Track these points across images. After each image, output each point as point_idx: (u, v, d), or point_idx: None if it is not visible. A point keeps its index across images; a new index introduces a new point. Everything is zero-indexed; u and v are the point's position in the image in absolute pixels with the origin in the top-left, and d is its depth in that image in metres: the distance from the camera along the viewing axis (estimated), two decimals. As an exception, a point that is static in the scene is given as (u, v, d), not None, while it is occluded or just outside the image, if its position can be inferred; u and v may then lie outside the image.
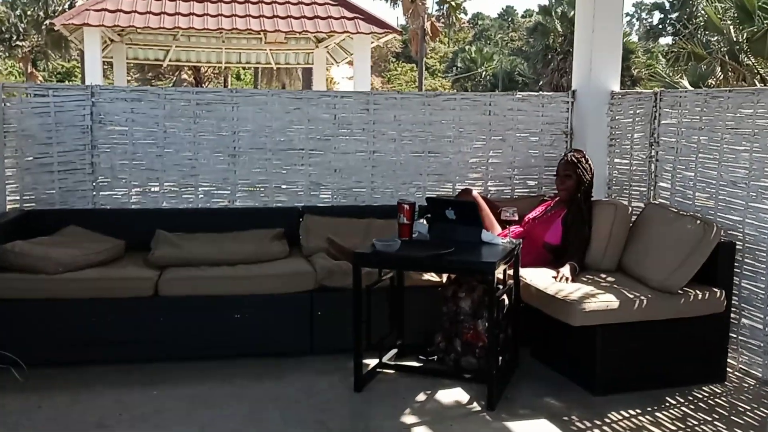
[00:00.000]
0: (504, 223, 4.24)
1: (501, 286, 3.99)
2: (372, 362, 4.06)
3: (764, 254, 3.91)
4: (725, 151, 4.18)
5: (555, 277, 4.02)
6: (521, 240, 4.21)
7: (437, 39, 37.29)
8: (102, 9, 10.11)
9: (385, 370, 4.08)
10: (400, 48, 44.75)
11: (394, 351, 4.26)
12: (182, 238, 4.59)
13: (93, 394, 3.74)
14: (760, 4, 16.19)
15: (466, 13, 49.58)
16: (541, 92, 5.50)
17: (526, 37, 41.69)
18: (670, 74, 18.95)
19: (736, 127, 4.11)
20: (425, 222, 4.18)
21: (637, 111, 4.94)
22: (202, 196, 5.02)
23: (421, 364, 4.19)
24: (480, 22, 52.65)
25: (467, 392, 3.80)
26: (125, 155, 4.88)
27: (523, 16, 51.14)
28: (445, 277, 4.32)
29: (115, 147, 4.87)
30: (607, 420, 3.49)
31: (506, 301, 4.01)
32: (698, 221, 3.95)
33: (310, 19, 10.65)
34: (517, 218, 4.11)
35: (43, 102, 4.78)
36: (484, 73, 41.00)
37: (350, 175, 5.14)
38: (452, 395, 3.79)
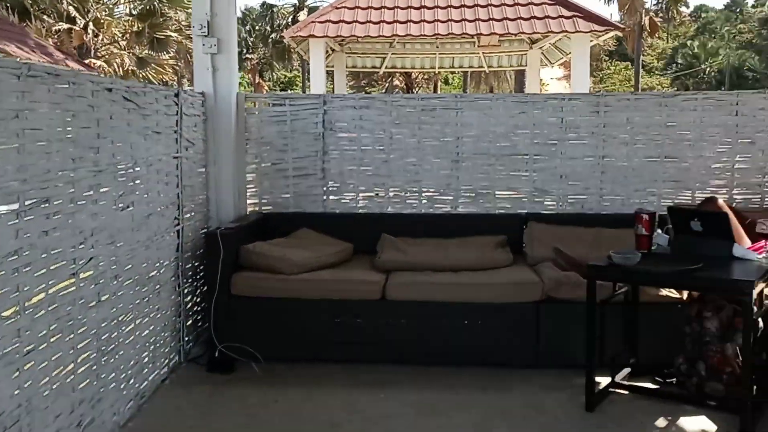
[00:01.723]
0: (759, 237, 3.80)
1: (755, 307, 3.59)
2: (603, 380, 3.82)
3: None
4: None
5: None
6: (780, 256, 3.74)
7: (655, 35, 35.24)
8: (326, 21, 10.62)
9: (617, 390, 3.82)
10: (613, 46, 42.81)
11: (627, 370, 3.98)
12: (407, 242, 4.63)
13: (324, 393, 3.87)
14: None
15: (687, 6, 46.35)
16: (799, 89, 4.91)
17: (758, 29, 38.06)
18: None
19: None
20: (665, 233, 3.87)
21: None
22: (425, 201, 5.05)
23: (658, 387, 3.87)
24: (703, 15, 48.87)
25: (714, 422, 3.45)
26: (354, 161, 5.03)
27: (753, 6, 46.69)
28: (685, 294, 3.96)
29: (345, 153, 5.04)
30: None
31: (761, 324, 3.59)
32: None
33: (526, 20, 10.42)
34: (774, 231, 3.67)
35: (280, 111, 5.06)
36: (708, 69, 38.03)
37: (577, 181, 4.91)
38: (696, 423, 3.46)
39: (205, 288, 4.40)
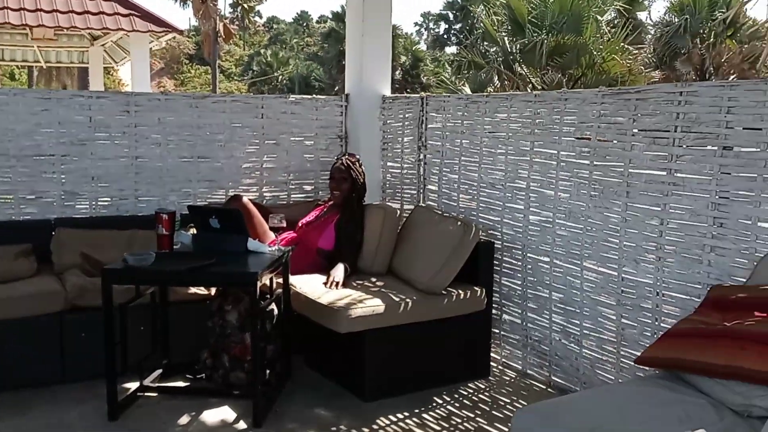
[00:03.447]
0: (272, 231, 4.10)
1: (269, 296, 3.86)
2: (133, 386, 3.74)
3: (519, 252, 4.10)
4: (484, 153, 4.34)
5: (326, 283, 3.95)
6: (291, 247, 4.09)
7: (231, 41, 36.62)
8: None
9: (147, 394, 3.77)
10: (193, 50, 43.35)
11: (158, 372, 3.95)
12: None
13: None
14: (530, 18, 17.60)
15: (260, 17, 49.25)
16: (315, 96, 5.42)
17: (320, 43, 42.17)
18: (455, 82, 20.09)
19: (493, 131, 4.28)
20: (190, 232, 3.93)
21: (407, 115, 5.02)
22: (-69, 210, 4.37)
23: (188, 384, 3.92)
24: (275, 26, 52.39)
25: (235, 410, 3.60)
26: None
27: (317, 22, 51.64)
28: (213, 290, 4.09)
29: None
30: (375, 426, 3.46)
31: (276, 311, 3.87)
32: (459, 222, 4.06)
33: (79, 14, 9.85)
34: (284, 225, 3.98)
35: None
36: (280, 77, 40.88)
37: (111, 182, 4.71)
38: (219, 414, 3.57)
39: None
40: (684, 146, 3.21)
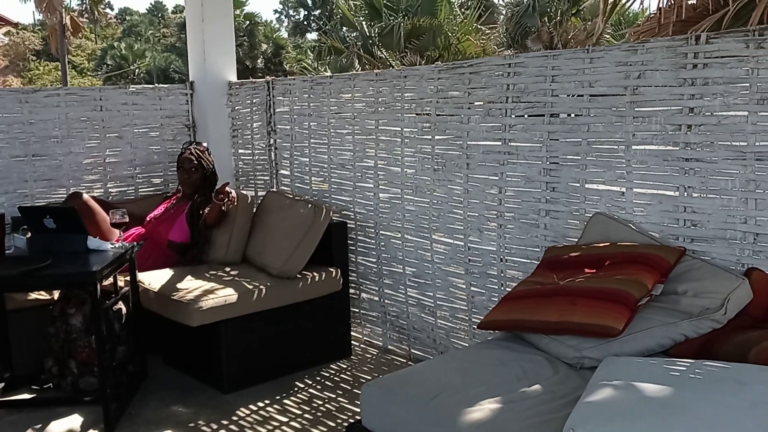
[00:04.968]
0: (115, 227, 3.91)
1: (114, 295, 3.69)
2: (-28, 403, 3.49)
3: (372, 230, 4.14)
4: (332, 135, 4.34)
5: (222, 197, 3.99)
6: (137, 243, 3.92)
7: (80, 35, 34.73)
8: None
9: (-13, 411, 3.52)
10: (40, 45, 40.73)
11: (0, 386, 3.69)
12: None
13: None
14: (385, 2, 17.76)
15: (112, 8, 46.95)
16: (156, 85, 5.20)
17: (177, 33, 40.79)
18: (318, 68, 20.04)
19: (339, 112, 4.28)
20: (24, 234, 3.68)
21: (254, 100, 4.93)
22: None
23: (34, 395, 3.69)
24: (128, 18, 50.12)
25: (85, 417, 3.42)
26: None
27: (173, 12, 49.85)
28: (57, 293, 3.86)
29: None
30: (235, 417, 3.40)
31: (124, 310, 3.71)
32: (309, 205, 4.03)
33: None
34: (126, 219, 3.78)
35: None
36: (137, 70, 39.20)
37: (-66, 188, 4.37)
38: (68, 423, 3.38)
39: None
40: (515, 116, 3.33)
